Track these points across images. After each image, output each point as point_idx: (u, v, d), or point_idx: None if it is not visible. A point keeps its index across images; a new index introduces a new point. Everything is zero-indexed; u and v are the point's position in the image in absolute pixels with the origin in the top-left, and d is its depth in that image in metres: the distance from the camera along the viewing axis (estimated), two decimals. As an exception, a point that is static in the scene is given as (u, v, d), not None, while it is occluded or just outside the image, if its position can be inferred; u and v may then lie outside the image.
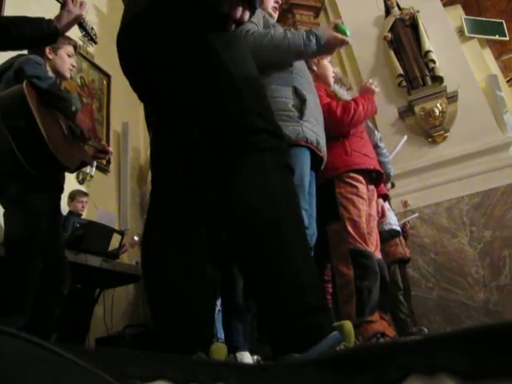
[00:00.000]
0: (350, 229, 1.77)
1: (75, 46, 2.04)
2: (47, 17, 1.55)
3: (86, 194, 2.91)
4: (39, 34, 1.48)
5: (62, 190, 1.92)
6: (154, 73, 0.90)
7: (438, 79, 3.85)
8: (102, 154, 2.12)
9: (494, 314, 3.10)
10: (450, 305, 3.29)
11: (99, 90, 3.90)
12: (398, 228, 2.70)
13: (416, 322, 2.85)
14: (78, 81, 3.63)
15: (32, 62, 1.72)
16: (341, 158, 1.86)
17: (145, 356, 0.31)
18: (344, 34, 1.54)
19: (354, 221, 1.78)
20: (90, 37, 1.82)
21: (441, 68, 3.85)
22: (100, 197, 3.42)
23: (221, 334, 1.94)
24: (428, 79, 3.86)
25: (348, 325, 0.82)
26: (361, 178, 1.86)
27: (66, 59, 1.96)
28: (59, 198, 1.92)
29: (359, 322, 1.67)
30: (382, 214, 2.17)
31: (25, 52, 1.90)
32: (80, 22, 1.69)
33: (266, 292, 0.74)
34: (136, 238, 3.43)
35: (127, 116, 4.06)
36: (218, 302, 1.89)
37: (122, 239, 2.83)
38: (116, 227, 3.16)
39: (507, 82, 5.66)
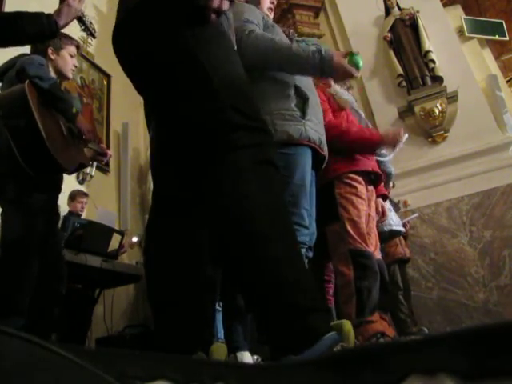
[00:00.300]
0: (349, 229, 1.77)
1: (78, 47, 2.03)
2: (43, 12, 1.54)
3: (85, 195, 2.91)
4: (39, 29, 1.47)
5: (59, 190, 1.91)
6: (140, 71, 0.93)
7: (437, 79, 3.85)
8: (101, 156, 2.12)
9: (494, 314, 3.10)
10: (450, 305, 3.29)
11: (99, 90, 3.90)
12: (399, 228, 2.68)
13: (416, 322, 2.85)
14: (78, 81, 3.63)
15: (35, 63, 1.72)
16: (340, 159, 1.86)
17: (145, 356, 0.31)
18: (356, 66, 1.42)
19: (354, 221, 1.78)
20: (89, 31, 1.81)
21: (441, 68, 3.85)
22: (100, 197, 3.42)
23: (221, 334, 1.94)
24: (428, 79, 3.86)
25: (347, 324, 0.80)
26: (360, 179, 1.87)
27: (68, 59, 1.96)
28: (57, 199, 1.91)
29: (359, 322, 1.67)
30: (382, 214, 2.17)
31: (27, 51, 1.90)
32: (79, 17, 1.68)
33: (256, 297, 0.73)
34: (135, 239, 3.43)
35: (127, 116, 4.06)
36: (219, 302, 1.89)
37: (121, 239, 2.83)
38: (116, 227, 3.16)
39: (507, 82, 5.66)
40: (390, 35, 4.07)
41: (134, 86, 0.98)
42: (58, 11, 1.53)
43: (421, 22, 3.98)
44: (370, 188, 1.98)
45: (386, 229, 2.48)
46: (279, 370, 0.33)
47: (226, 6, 0.83)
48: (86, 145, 1.97)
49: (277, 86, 1.48)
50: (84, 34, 1.86)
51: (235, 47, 1.03)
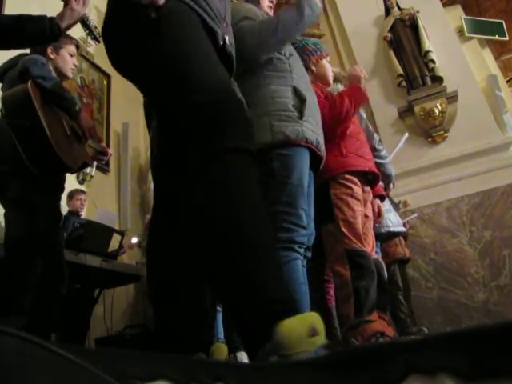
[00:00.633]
0: (344, 230, 1.77)
1: (77, 46, 2.03)
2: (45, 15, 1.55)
3: (83, 192, 2.91)
4: (42, 33, 1.47)
5: (62, 189, 1.92)
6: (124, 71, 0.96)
7: (437, 79, 3.85)
8: (101, 155, 2.12)
9: (494, 314, 3.10)
10: (450, 305, 3.29)
11: (99, 90, 3.90)
12: (398, 229, 2.67)
13: (416, 322, 2.85)
14: (78, 81, 3.63)
15: (38, 63, 1.72)
16: (336, 159, 1.85)
17: (145, 356, 0.31)
18: None
19: (349, 222, 1.78)
20: (93, 35, 1.81)
21: (441, 68, 3.85)
22: (100, 197, 3.42)
23: (221, 334, 1.94)
24: (428, 79, 3.86)
25: (282, 326, 0.65)
26: (356, 180, 1.86)
27: (68, 59, 1.96)
28: (60, 198, 1.92)
29: (358, 322, 1.67)
30: (378, 214, 2.16)
31: (27, 51, 1.90)
32: (83, 21, 1.68)
33: (225, 298, 0.73)
34: (134, 240, 3.43)
35: (127, 116, 4.06)
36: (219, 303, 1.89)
37: (121, 239, 2.83)
38: (116, 227, 3.16)
39: (507, 82, 5.67)
40: (389, 35, 4.07)
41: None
42: (61, 14, 1.53)
43: (421, 22, 3.98)
44: (367, 189, 1.98)
45: (383, 230, 2.47)
46: (279, 369, 0.33)
47: (160, 0, 0.82)
48: (86, 141, 1.97)
49: (274, 87, 1.48)
50: (84, 34, 1.86)
51: (221, 40, 1.01)
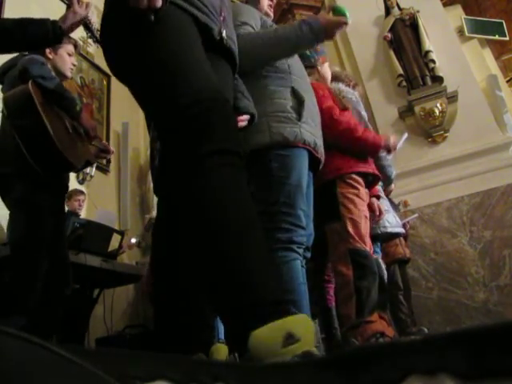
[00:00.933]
0: (350, 229, 1.77)
1: (75, 45, 2.04)
2: (47, 17, 1.55)
3: (82, 193, 2.91)
4: (44, 35, 1.48)
5: (66, 189, 1.93)
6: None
7: (437, 79, 3.85)
8: (104, 153, 2.13)
9: (494, 314, 3.10)
10: (450, 305, 3.29)
11: (99, 90, 3.90)
12: (397, 230, 2.65)
13: (416, 322, 2.85)
14: (78, 81, 3.63)
15: (37, 62, 1.72)
16: (344, 159, 1.87)
17: (145, 356, 0.31)
18: (342, 14, 1.43)
19: (355, 221, 1.79)
20: (95, 38, 1.82)
21: (441, 68, 3.85)
22: (100, 197, 3.42)
23: (221, 335, 1.94)
24: (428, 79, 3.85)
25: (256, 336, 0.58)
26: (361, 181, 1.88)
27: (66, 58, 1.96)
28: (64, 198, 1.93)
29: (359, 322, 1.67)
30: (379, 212, 2.16)
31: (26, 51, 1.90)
32: (85, 23, 1.69)
33: (211, 295, 0.70)
34: (133, 240, 3.43)
35: (127, 116, 4.06)
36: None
37: (121, 239, 2.83)
38: (116, 227, 3.16)
39: (507, 82, 5.66)
40: (389, 35, 4.06)
41: None
42: (64, 17, 1.54)
43: (421, 22, 3.98)
44: (366, 190, 1.99)
45: (379, 231, 2.45)
46: (279, 369, 0.33)
47: (158, 3, 0.81)
48: (90, 142, 1.98)
49: (273, 88, 1.47)
50: (84, 34, 1.86)
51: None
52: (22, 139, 1.59)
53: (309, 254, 1.47)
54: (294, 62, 1.56)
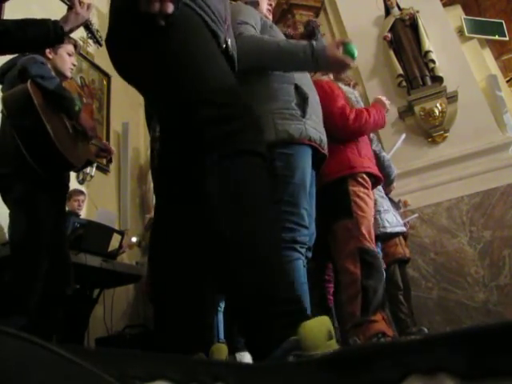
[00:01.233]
0: (362, 227, 1.77)
1: (75, 45, 2.04)
2: (47, 17, 1.55)
3: (82, 193, 2.91)
4: (46, 36, 1.48)
5: (67, 189, 1.93)
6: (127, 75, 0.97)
7: (437, 79, 3.85)
8: (104, 152, 2.13)
9: (494, 314, 3.10)
10: (450, 305, 3.29)
11: (99, 90, 3.90)
12: (397, 229, 2.64)
13: (416, 322, 2.85)
14: (78, 81, 3.63)
15: (37, 62, 1.72)
16: (355, 158, 1.88)
17: (145, 356, 0.31)
18: (350, 55, 1.39)
19: (368, 220, 1.79)
20: (95, 39, 1.82)
21: (441, 68, 3.85)
22: (100, 197, 3.42)
23: (221, 334, 1.94)
24: (428, 79, 3.85)
25: (304, 327, 0.64)
26: (369, 181, 1.89)
27: (66, 58, 1.96)
28: (64, 198, 1.93)
29: (363, 320, 1.66)
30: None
31: (26, 51, 1.90)
32: (86, 24, 1.69)
33: (233, 300, 0.73)
34: (134, 240, 3.43)
35: (127, 116, 4.06)
36: (220, 303, 1.89)
37: (121, 239, 2.83)
38: (116, 227, 3.16)
39: (507, 82, 5.66)
40: (389, 35, 4.06)
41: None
42: (66, 18, 1.54)
43: (421, 22, 3.98)
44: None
45: (378, 232, 2.45)
46: (279, 369, 0.33)
47: (169, 9, 0.81)
48: (88, 142, 1.98)
49: (277, 85, 1.47)
50: (84, 34, 1.86)
51: (224, 43, 1.01)
52: (21, 139, 1.59)
53: (310, 254, 1.47)
54: None
